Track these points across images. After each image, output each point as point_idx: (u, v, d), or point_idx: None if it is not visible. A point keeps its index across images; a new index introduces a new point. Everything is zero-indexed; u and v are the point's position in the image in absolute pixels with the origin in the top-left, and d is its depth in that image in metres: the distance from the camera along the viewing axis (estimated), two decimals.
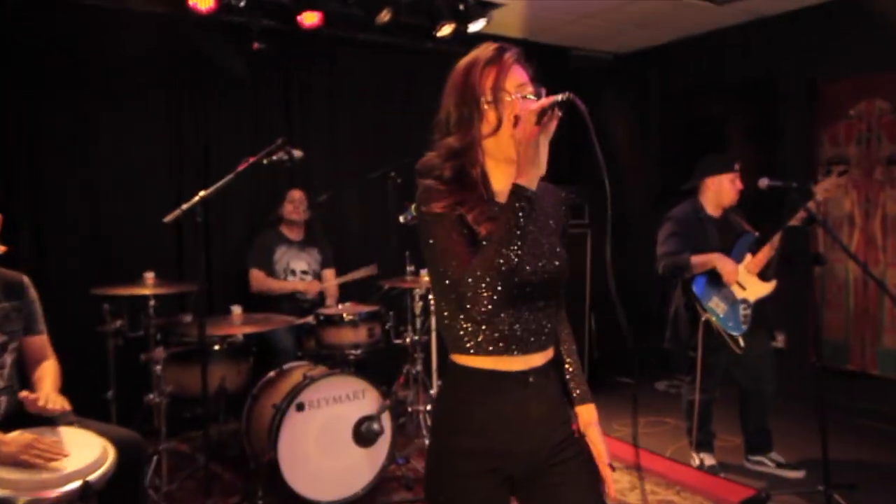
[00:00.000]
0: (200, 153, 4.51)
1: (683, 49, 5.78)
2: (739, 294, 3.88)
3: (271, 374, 3.74)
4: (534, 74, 1.67)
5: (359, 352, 3.79)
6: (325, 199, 4.32)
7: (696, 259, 3.83)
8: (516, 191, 1.49)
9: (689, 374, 4.03)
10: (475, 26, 4.67)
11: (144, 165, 4.36)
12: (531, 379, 1.63)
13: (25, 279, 2.81)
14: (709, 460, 4.00)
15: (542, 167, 1.50)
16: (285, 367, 3.74)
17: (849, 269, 4.94)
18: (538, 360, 1.66)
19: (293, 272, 4.46)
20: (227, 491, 3.63)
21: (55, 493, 2.14)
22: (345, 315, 3.80)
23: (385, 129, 5.08)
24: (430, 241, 1.57)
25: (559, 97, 1.48)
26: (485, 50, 1.64)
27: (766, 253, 3.85)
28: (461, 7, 4.56)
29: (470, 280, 1.49)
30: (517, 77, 1.61)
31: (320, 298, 4.43)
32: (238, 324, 3.63)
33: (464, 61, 1.65)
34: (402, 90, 5.19)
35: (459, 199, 1.59)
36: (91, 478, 2.22)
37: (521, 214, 1.47)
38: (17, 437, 2.36)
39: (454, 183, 1.62)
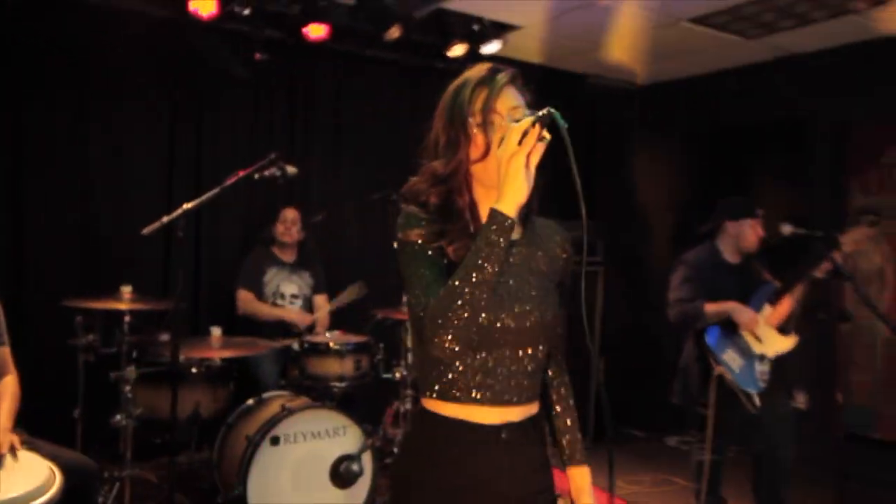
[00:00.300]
0: (193, 168, 4.33)
1: (709, 83, 5.52)
2: (757, 348, 3.60)
3: (250, 402, 3.52)
4: (531, 99, 1.54)
5: (344, 384, 3.56)
6: (320, 219, 4.10)
7: (711, 308, 3.55)
8: (492, 217, 1.35)
9: (700, 431, 3.74)
10: (489, 48, 4.47)
11: (138, 173, 4.19)
12: (504, 435, 1.49)
13: None
14: None
15: (522, 192, 1.35)
16: (265, 395, 3.52)
17: (878, 328, 4.61)
18: (515, 414, 1.51)
19: (282, 296, 4.23)
20: None
21: None
22: (331, 344, 3.58)
23: (389, 148, 4.85)
24: (403, 272, 1.48)
25: (539, 113, 1.35)
26: (478, 70, 1.53)
27: (786, 305, 3.58)
28: (475, 27, 4.38)
29: (431, 318, 1.36)
30: (510, 99, 1.50)
31: (311, 330, 4.17)
32: (216, 347, 3.42)
33: (454, 83, 1.54)
34: (409, 109, 5.00)
35: (440, 229, 1.48)
36: None
37: (494, 245, 1.34)
38: None
39: (438, 212, 1.51)
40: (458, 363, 1.47)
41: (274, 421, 3.19)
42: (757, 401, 3.52)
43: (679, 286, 3.70)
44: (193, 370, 3.46)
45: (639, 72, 5.60)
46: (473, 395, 1.47)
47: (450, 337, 1.35)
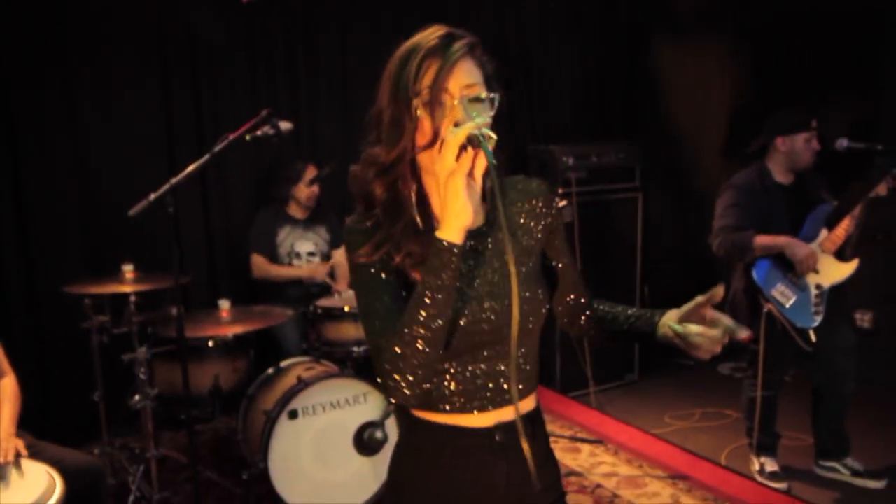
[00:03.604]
0: (194, 126, 4.09)
1: None
2: (812, 279, 3.29)
3: (269, 371, 3.43)
4: (493, 71, 1.32)
5: (363, 349, 3.40)
6: (328, 172, 3.83)
7: (762, 240, 3.24)
8: (435, 247, 1.20)
9: (751, 368, 3.50)
10: None
11: (136, 144, 3.97)
12: (498, 437, 1.36)
13: None
14: (770, 465, 3.49)
15: (466, 214, 1.18)
16: (283, 364, 3.41)
17: None
18: (509, 413, 1.35)
19: (298, 255, 4.05)
20: (223, 499, 3.37)
21: None
22: (346, 307, 3.40)
23: None
24: (356, 297, 1.35)
25: (475, 129, 1.15)
26: (429, 35, 1.28)
27: (844, 228, 3.24)
28: None
29: (388, 361, 1.23)
30: (464, 76, 1.26)
31: (332, 277, 3.99)
32: (226, 321, 3.31)
33: (404, 47, 1.30)
34: None
35: (384, 236, 1.31)
36: None
37: (442, 276, 1.19)
38: None
39: (384, 207, 1.32)
40: (440, 372, 1.33)
41: (290, 394, 3.08)
42: (812, 337, 3.25)
43: (724, 212, 3.41)
44: (210, 343, 3.36)
45: None
46: (458, 403, 1.35)
47: (416, 362, 1.21)
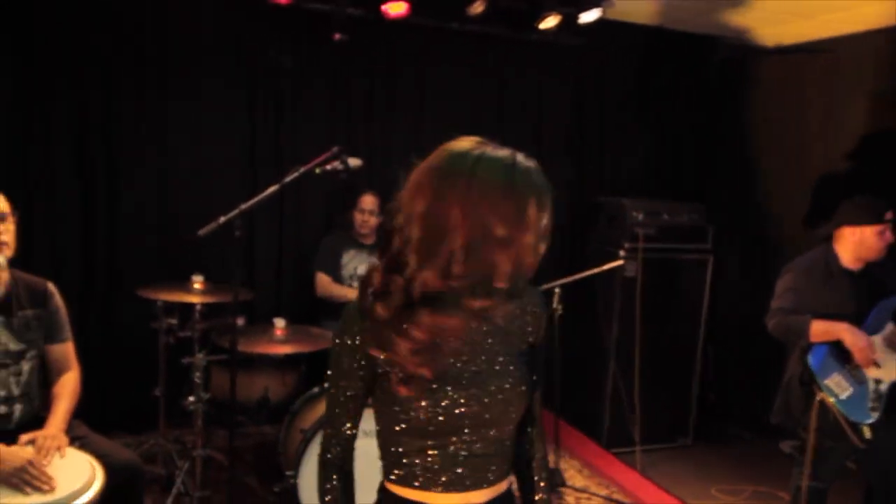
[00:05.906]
0: (273, 152, 4.35)
1: (860, 45, 4.65)
2: (872, 373, 3.12)
3: (315, 389, 3.56)
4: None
5: None
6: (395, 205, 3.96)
7: (818, 326, 3.11)
8: None
9: (801, 455, 3.34)
10: (588, 16, 4.05)
11: (219, 166, 4.26)
12: None
13: (50, 286, 2.81)
14: None
15: None
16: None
17: None
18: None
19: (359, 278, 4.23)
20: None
21: None
22: None
23: (477, 129, 4.57)
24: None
25: None
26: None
27: None
28: None
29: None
30: None
31: None
32: (279, 340, 3.48)
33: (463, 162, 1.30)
34: (498, 86, 4.69)
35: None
36: None
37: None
38: (14, 453, 2.35)
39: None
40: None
41: None
42: (867, 433, 3.08)
43: (783, 294, 3.30)
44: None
45: (769, 32, 4.86)
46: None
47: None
